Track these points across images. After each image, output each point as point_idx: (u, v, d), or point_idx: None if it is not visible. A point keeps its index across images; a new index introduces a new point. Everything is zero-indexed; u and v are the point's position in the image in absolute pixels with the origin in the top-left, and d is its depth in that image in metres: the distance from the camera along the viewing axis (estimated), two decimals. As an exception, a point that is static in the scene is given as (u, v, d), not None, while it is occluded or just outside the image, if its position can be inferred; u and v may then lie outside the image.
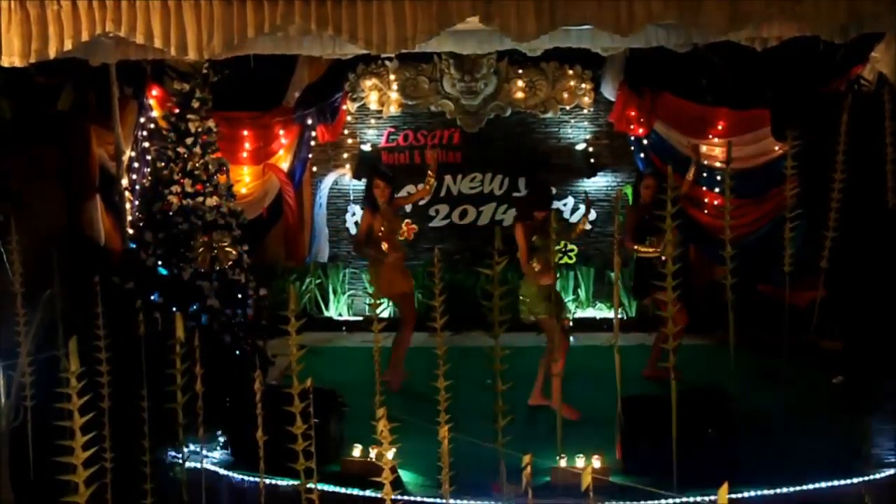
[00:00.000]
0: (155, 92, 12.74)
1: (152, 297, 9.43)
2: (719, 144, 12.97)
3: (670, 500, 7.14)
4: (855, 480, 7.57)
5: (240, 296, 9.96)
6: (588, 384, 9.97)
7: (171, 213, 9.77)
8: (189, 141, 9.87)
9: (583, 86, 13.96)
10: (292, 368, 6.29)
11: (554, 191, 13.89)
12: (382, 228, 10.57)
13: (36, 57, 7.51)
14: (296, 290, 7.53)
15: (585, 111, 14.17)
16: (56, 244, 9.24)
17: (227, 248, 9.99)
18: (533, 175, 11.82)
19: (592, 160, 14.13)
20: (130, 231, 11.49)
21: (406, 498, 7.64)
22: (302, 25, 7.62)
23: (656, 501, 7.21)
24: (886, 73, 10.36)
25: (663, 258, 10.34)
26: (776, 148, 12.39)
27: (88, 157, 11.72)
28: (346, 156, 14.48)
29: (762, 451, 8.21)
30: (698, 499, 7.19)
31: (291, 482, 7.10)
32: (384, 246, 10.53)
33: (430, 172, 10.99)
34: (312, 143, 14.28)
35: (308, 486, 6.38)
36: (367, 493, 7.47)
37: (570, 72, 13.93)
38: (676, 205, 7.21)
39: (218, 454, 8.48)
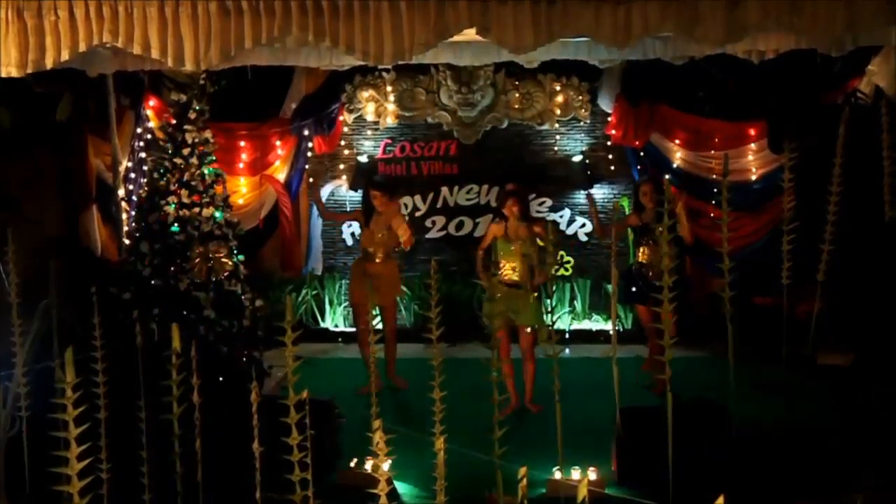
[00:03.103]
0: (152, 102, 12.76)
1: (149, 308, 9.42)
2: (716, 156, 13.00)
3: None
4: (851, 492, 7.56)
5: (236, 307, 9.96)
6: (584, 396, 9.97)
7: (167, 224, 9.78)
8: (186, 151, 9.87)
9: (580, 98, 13.97)
10: (288, 379, 6.29)
11: (550, 202, 14.02)
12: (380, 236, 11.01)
13: (33, 67, 7.51)
14: (292, 301, 7.52)
15: (582, 123, 14.16)
16: (53, 254, 9.24)
17: (224, 259, 9.99)
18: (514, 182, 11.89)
19: (589, 172, 14.12)
20: (127, 241, 11.50)
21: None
22: (299, 37, 7.62)
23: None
24: (883, 86, 10.42)
25: (651, 273, 10.51)
26: (773, 160, 12.41)
27: (86, 167, 11.74)
28: (342, 167, 14.47)
29: (759, 463, 8.20)
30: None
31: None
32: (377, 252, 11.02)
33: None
34: (309, 154, 14.29)
35: (304, 497, 6.37)
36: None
37: (567, 84, 13.94)
38: (673, 217, 7.23)
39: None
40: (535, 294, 10.08)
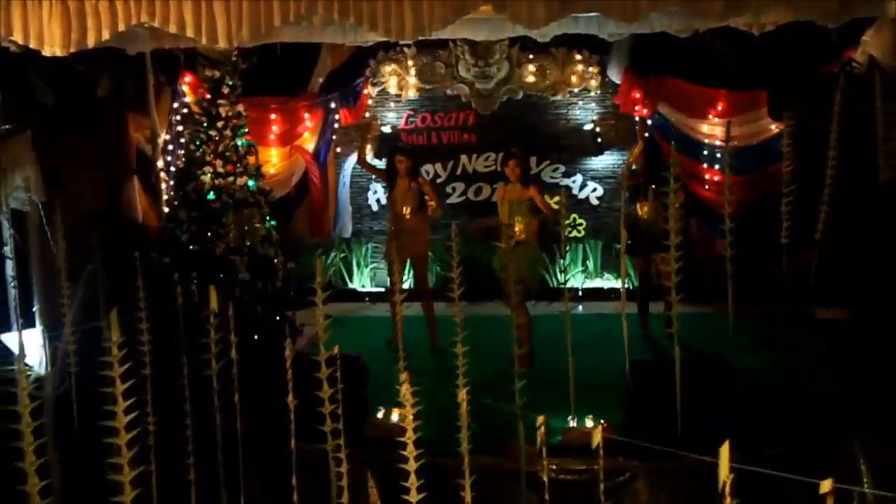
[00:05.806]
0: (188, 79, 12.75)
1: (188, 271, 9.46)
2: (719, 124, 12.93)
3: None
4: (853, 442, 7.54)
5: (269, 269, 9.99)
6: (596, 351, 9.98)
7: (204, 192, 9.80)
8: (220, 125, 9.88)
9: (590, 70, 13.96)
10: (319, 336, 6.31)
11: (563, 169, 14.04)
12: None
13: (76, 47, 7.56)
14: (322, 263, 7.52)
15: (593, 93, 14.18)
16: (97, 223, 9.29)
17: (257, 225, 10.03)
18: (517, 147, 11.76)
19: (599, 139, 14.17)
20: (166, 209, 11.55)
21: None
22: (325, 15, 7.63)
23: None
24: (876, 56, 10.33)
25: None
26: (772, 127, 12.36)
27: (126, 141, 11.77)
28: (367, 137, 14.48)
29: (762, 414, 8.18)
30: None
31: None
32: (405, 211, 10.99)
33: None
34: (336, 125, 14.30)
35: (336, 445, 6.41)
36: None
37: (578, 57, 13.93)
38: (679, 181, 7.24)
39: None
40: (531, 247, 10.12)
